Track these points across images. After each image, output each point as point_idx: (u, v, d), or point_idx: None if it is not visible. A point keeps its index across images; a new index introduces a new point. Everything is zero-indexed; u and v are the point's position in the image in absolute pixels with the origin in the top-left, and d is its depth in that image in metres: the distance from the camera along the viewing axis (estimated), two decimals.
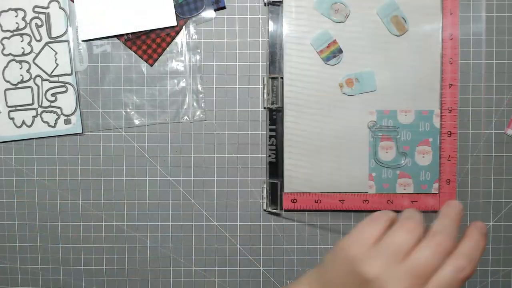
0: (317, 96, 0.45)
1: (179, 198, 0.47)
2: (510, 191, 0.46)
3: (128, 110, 0.47)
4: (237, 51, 0.46)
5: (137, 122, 0.47)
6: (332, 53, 0.44)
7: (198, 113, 0.46)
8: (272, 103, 0.45)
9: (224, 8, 0.46)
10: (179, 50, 0.46)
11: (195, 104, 0.46)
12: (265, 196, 0.46)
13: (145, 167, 0.47)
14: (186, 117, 0.46)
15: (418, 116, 0.45)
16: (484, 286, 0.47)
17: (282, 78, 0.45)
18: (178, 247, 0.47)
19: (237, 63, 0.46)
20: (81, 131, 0.47)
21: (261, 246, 0.47)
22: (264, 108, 0.46)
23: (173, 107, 0.46)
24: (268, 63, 0.45)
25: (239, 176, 0.47)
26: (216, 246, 0.47)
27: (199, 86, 0.46)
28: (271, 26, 0.45)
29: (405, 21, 0.44)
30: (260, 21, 0.46)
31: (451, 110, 0.45)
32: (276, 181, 0.46)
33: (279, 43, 0.45)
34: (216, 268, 0.47)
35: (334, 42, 0.44)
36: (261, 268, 0.47)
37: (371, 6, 0.44)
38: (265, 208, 0.46)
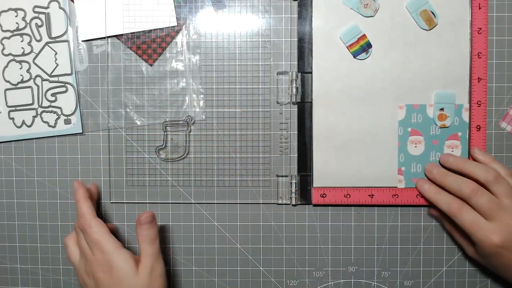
0: (346, 91, 0.45)
1: (179, 198, 0.47)
2: None
3: (128, 110, 0.47)
4: (236, 51, 0.46)
5: (137, 122, 0.47)
6: (362, 47, 0.45)
7: (198, 113, 0.46)
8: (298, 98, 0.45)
9: (224, 7, 0.46)
10: (179, 50, 0.46)
11: (195, 104, 0.46)
12: (293, 190, 0.46)
13: (145, 168, 0.47)
14: (186, 117, 0.46)
15: None
16: (484, 286, 0.47)
17: (311, 73, 0.45)
18: (178, 247, 0.47)
19: (236, 63, 0.46)
20: (81, 131, 0.47)
21: (261, 246, 0.47)
22: (293, 103, 0.46)
23: (173, 107, 0.46)
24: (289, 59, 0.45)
25: (239, 176, 0.47)
26: (216, 246, 0.47)
27: (199, 86, 0.46)
28: (300, 21, 0.45)
29: (434, 15, 0.44)
30: (260, 20, 0.46)
31: (480, 104, 0.45)
32: (306, 175, 0.46)
33: (308, 38, 0.45)
34: (216, 268, 0.47)
35: (364, 36, 0.44)
36: (261, 268, 0.47)
37: (400, 1, 0.44)
38: (294, 202, 0.46)
